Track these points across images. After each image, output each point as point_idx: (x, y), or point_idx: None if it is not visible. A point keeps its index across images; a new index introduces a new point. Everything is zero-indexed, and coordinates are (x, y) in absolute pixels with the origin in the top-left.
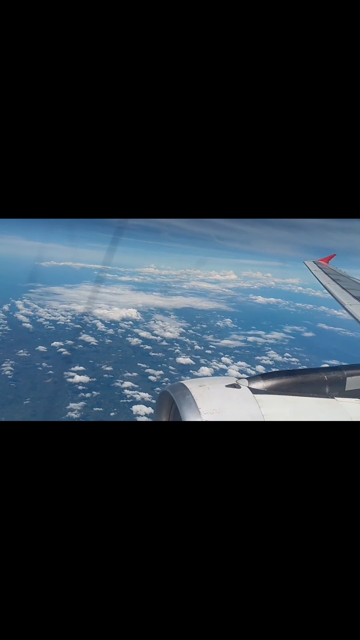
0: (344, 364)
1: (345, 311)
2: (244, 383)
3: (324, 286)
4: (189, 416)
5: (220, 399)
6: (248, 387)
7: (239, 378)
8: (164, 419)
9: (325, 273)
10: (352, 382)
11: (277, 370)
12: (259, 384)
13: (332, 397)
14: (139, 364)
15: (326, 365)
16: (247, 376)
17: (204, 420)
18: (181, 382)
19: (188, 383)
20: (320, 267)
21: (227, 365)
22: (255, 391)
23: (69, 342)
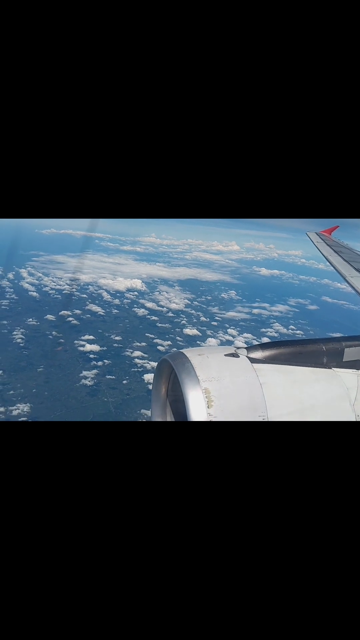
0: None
1: (347, 284)
2: (242, 352)
3: (326, 258)
4: (188, 384)
5: (219, 368)
6: (247, 356)
7: (238, 348)
8: (163, 387)
9: (328, 245)
10: (350, 353)
11: (276, 340)
12: (258, 354)
13: (330, 368)
14: (146, 334)
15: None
16: (246, 346)
17: (203, 387)
18: (180, 350)
19: (187, 352)
20: (322, 239)
21: (234, 337)
22: (253, 360)
23: (77, 311)
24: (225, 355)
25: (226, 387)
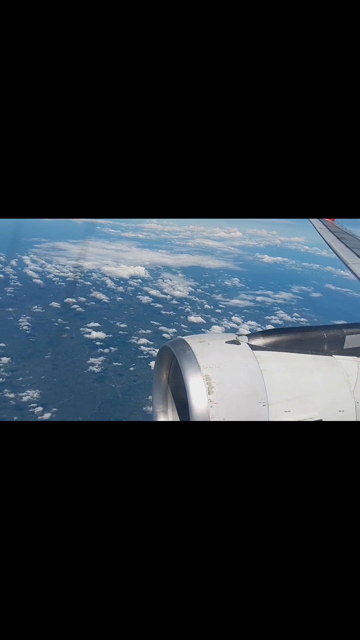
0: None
1: (350, 271)
2: (243, 340)
3: (328, 245)
4: (189, 370)
5: (219, 354)
6: (248, 343)
7: (239, 335)
8: (164, 374)
9: (331, 231)
10: (351, 340)
11: (278, 327)
12: (259, 341)
13: (331, 355)
14: (151, 321)
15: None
16: (248, 333)
17: (203, 374)
18: (181, 337)
19: (188, 339)
20: (325, 225)
21: (238, 324)
22: (254, 347)
23: (81, 298)
24: (226, 342)
25: (227, 374)
